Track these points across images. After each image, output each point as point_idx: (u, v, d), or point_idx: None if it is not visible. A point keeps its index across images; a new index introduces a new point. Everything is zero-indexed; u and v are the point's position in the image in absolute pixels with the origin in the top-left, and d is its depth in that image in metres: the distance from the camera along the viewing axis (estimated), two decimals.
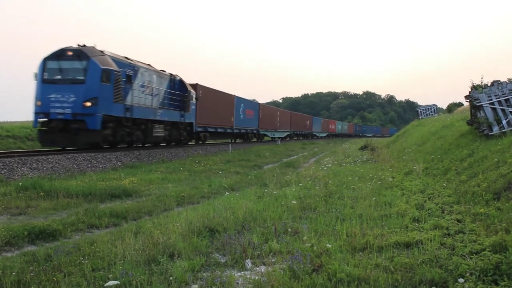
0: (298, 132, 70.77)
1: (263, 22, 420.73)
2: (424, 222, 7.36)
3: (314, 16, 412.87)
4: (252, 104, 48.13)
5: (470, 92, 15.66)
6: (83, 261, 5.62)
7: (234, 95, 40.87)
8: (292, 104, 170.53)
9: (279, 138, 56.34)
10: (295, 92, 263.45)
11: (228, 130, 40.12)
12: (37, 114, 19.19)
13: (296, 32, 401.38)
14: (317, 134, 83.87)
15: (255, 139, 50.03)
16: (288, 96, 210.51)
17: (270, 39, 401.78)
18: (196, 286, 4.91)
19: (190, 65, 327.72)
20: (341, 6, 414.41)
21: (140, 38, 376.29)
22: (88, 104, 18.76)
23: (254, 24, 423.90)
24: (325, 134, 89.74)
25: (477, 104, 14.17)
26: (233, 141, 43.22)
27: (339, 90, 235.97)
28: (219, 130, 37.36)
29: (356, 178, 13.47)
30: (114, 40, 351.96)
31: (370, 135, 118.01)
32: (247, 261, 5.63)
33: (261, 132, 50.83)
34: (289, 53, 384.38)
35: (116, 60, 20.98)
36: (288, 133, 63.85)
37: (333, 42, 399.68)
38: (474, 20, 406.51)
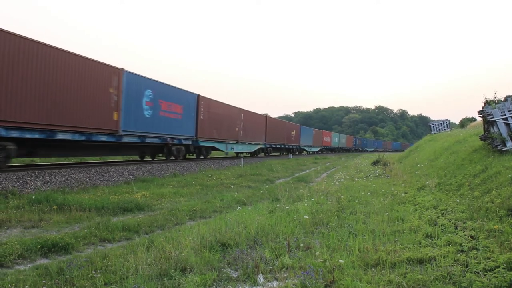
0: (278, 146, 50.48)
1: (275, 37, 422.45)
2: (437, 238, 7.30)
3: (327, 32, 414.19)
4: (170, 92, 25.79)
5: (483, 107, 15.58)
6: (95, 275, 5.64)
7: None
8: (304, 119, 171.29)
9: (242, 153, 42.30)
10: (307, 106, 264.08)
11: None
12: None
13: (309, 46, 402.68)
14: (306, 148, 64.36)
15: (172, 158, 27.39)
16: (300, 110, 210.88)
17: (283, 54, 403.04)
18: None
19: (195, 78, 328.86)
20: (354, 21, 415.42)
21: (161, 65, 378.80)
22: None
23: (266, 38, 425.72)
24: (317, 149, 70.79)
25: (490, 119, 14.07)
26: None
27: (351, 104, 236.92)
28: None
29: (369, 193, 13.41)
30: (114, 46, 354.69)
31: (371, 149, 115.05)
32: (259, 276, 5.62)
33: (202, 144, 30.31)
34: (302, 67, 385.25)
35: None
36: (261, 146, 44.11)
37: (346, 57, 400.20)
38: (488, 35, 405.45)
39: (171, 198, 14.01)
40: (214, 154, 37.64)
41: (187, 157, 31.17)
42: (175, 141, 26.65)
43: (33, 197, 11.80)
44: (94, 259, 6.42)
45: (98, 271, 5.83)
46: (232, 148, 36.29)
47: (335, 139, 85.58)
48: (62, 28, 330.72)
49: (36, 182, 14.62)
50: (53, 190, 13.87)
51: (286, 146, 54.36)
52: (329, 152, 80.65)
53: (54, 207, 11.02)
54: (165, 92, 25.20)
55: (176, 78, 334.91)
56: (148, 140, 23.22)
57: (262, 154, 46.82)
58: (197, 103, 29.21)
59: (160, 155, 27.94)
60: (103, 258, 6.46)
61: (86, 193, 13.99)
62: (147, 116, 22.84)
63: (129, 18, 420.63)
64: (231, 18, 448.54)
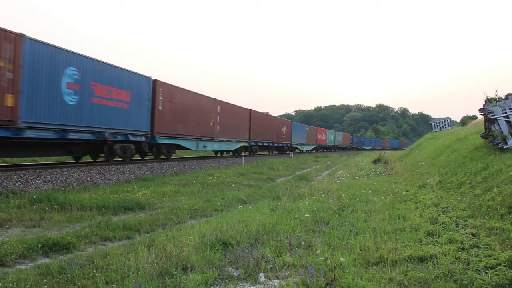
0: (265, 144, 45.01)
1: (276, 36, 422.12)
2: (438, 236, 7.30)
3: (328, 31, 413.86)
4: (110, 73, 20.17)
5: (484, 105, 15.55)
6: (96, 274, 5.64)
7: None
8: (305, 117, 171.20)
9: (224, 151, 37.73)
10: (308, 105, 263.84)
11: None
12: None
13: (310, 45, 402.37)
14: (299, 146, 59.47)
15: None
16: (301, 109, 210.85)
17: (284, 53, 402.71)
18: None
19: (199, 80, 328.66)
20: (355, 20, 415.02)
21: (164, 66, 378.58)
22: None
23: (266, 38, 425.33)
24: (311, 147, 66.07)
25: (491, 117, 14.06)
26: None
27: (352, 103, 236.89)
28: None
29: (370, 191, 13.40)
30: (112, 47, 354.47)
31: (369, 147, 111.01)
32: (260, 274, 5.61)
33: (161, 141, 24.68)
34: (303, 66, 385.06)
35: None
36: (244, 144, 39.23)
37: (347, 56, 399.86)
38: (489, 34, 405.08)
39: (172, 197, 14.02)
40: (188, 153, 36.28)
41: (146, 157, 26.61)
42: (119, 138, 20.66)
43: (34, 196, 11.81)
44: (95, 258, 6.42)
45: (99, 270, 5.83)
46: (205, 147, 30.44)
47: (330, 136, 79.98)
48: (62, 28, 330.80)
49: (37, 181, 14.63)
50: (54, 189, 13.88)
51: (275, 144, 48.65)
52: (324, 150, 75.91)
53: (55, 206, 11.03)
54: (102, 73, 19.23)
55: (176, 78, 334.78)
56: (72, 136, 17.55)
57: (247, 153, 41.31)
58: (153, 90, 23.43)
59: (102, 155, 21.92)
60: (104, 257, 6.46)
61: (87, 192, 14.00)
62: (70, 103, 17.21)
63: (129, 18, 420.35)
64: (231, 18, 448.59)
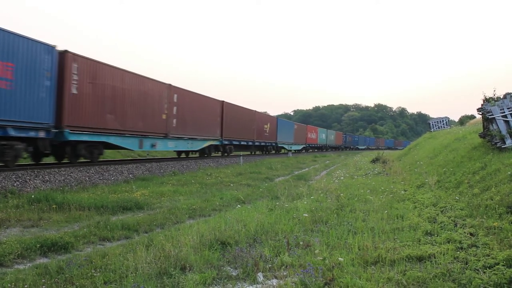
0: (243, 143, 38.43)
1: (274, 36, 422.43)
2: (437, 236, 7.31)
3: (326, 30, 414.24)
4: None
5: (482, 105, 15.57)
6: (95, 274, 5.64)
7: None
8: (303, 117, 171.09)
9: (185, 151, 31.43)
10: (307, 105, 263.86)
11: None
12: None
13: (309, 45, 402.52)
14: (285, 146, 52.57)
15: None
16: (299, 108, 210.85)
17: (282, 53, 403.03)
18: None
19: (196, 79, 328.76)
20: (354, 20, 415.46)
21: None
22: None
23: (265, 37, 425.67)
24: (300, 147, 60.06)
25: (490, 116, 14.07)
26: None
27: (350, 102, 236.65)
28: None
29: (368, 191, 13.42)
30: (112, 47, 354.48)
31: (363, 147, 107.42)
32: (258, 274, 5.62)
33: (74, 138, 17.60)
34: (301, 66, 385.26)
35: None
36: (214, 142, 32.44)
37: (345, 55, 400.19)
38: (487, 34, 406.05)
39: (170, 197, 14.01)
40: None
41: (45, 161, 19.48)
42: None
43: (33, 196, 11.79)
44: (93, 258, 6.42)
45: (98, 270, 5.83)
46: (153, 146, 23.28)
47: (322, 135, 73.38)
48: (61, 28, 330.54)
49: (35, 181, 14.61)
50: (53, 189, 13.87)
51: (256, 143, 41.96)
52: (316, 150, 70.97)
53: (54, 206, 11.02)
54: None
55: (175, 79, 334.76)
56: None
57: (219, 154, 35.53)
58: (60, 65, 16.70)
59: None
60: (103, 257, 6.46)
61: (86, 192, 13.98)
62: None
63: (128, 18, 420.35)
64: (230, 17, 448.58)
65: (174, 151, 30.42)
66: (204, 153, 32.09)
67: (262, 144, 44.34)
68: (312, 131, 67.74)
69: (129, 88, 20.99)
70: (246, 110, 39.64)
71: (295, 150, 57.30)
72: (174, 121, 25.49)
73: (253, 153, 45.33)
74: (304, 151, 62.56)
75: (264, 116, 46.20)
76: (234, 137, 36.22)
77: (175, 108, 25.52)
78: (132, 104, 21.25)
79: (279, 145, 50.40)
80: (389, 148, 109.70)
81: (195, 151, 31.39)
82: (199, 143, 29.76)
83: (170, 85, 25.02)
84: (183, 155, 32.37)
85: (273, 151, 49.08)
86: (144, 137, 22.39)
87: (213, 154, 34.27)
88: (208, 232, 7.54)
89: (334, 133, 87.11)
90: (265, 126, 44.79)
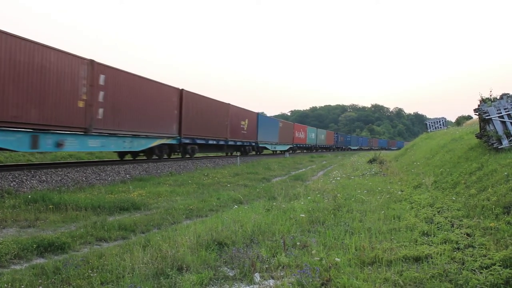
0: (210, 142, 31.63)
1: (271, 36, 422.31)
2: (434, 236, 7.32)
3: (324, 31, 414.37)
4: None
5: (479, 105, 15.59)
6: (91, 274, 5.63)
7: None
8: (300, 117, 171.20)
9: (130, 153, 24.96)
10: (304, 105, 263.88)
11: None
12: None
13: (306, 45, 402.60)
14: (268, 146, 47.02)
15: None
16: (296, 109, 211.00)
17: (279, 53, 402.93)
18: None
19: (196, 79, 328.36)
20: (351, 20, 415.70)
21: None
22: None
23: (262, 37, 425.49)
24: (286, 147, 54.19)
25: (486, 117, 14.10)
26: None
27: (347, 103, 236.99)
28: None
29: (365, 191, 13.42)
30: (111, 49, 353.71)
31: (356, 147, 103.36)
32: (255, 274, 5.61)
33: None
34: (298, 66, 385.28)
35: None
36: (169, 141, 25.96)
37: (342, 56, 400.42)
38: (484, 35, 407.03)
39: (167, 197, 14.00)
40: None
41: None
42: None
43: (29, 196, 11.77)
44: (90, 258, 6.41)
45: (95, 270, 5.83)
46: (59, 145, 16.61)
47: (311, 135, 67.38)
48: (59, 28, 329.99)
49: (32, 181, 14.59)
50: (49, 189, 13.85)
51: (231, 143, 35.83)
52: (305, 151, 66.83)
53: (50, 206, 11.00)
54: None
55: (174, 78, 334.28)
56: None
57: (179, 155, 29.02)
58: None
59: None
60: (100, 257, 6.45)
61: (83, 192, 13.96)
62: None
63: (127, 18, 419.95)
64: (228, 17, 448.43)
65: (115, 152, 24.56)
66: (152, 154, 25.37)
67: (239, 143, 38.09)
68: (300, 130, 61.98)
69: (12, 59, 14.21)
70: (216, 103, 32.60)
71: (280, 151, 53.49)
72: (100, 111, 18.63)
73: (229, 154, 39.98)
74: (291, 151, 56.93)
75: (240, 111, 38.46)
76: (199, 134, 29.49)
77: (101, 94, 18.63)
78: (19, 84, 14.49)
79: (260, 145, 44.43)
80: (382, 149, 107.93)
81: (137, 152, 24.71)
82: (143, 142, 22.88)
83: (92, 61, 18.15)
84: (127, 157, 25.97)
85: (253, 152, 43.05)
86: (42, 132, 15.76)
87: (172, 156, 28.57)
88: (205, 233, 7.54)
89: (325, 132, 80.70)
90: (243, 122, 38.47)
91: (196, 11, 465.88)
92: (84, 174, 17.26)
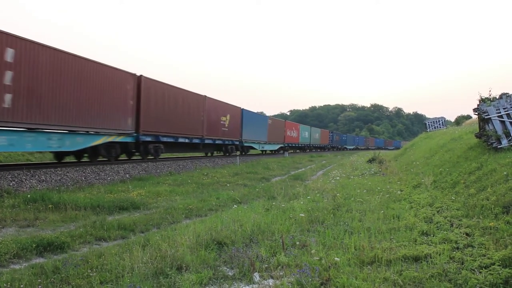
0: (180, 140, 26.94)
1: (271, 36, 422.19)
2: (433, 236, 7.32)
3: (323, 30, 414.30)
4: None
5: (478, 105, 15.61)
6: (91, 274, 5.63)
7: None
8: (299, 117, 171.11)
9: (63, 153, 20.33)
10: (303, 105, 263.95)
11: None
12: None
13: (305, 45, 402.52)
14: (255, 145, 42.62)
15: None
16: (295, 108, 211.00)
17: (279, 52, 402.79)
18: None
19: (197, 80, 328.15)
20: (350, 19, 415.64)
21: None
22: None
23: (262, 37, 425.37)
24: (276, 146, 50.51)
25: (486, 117, 14.10)
26: None
27: (346, 102, 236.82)
28: None
29: (364, 191, 13.42)
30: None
31: (352, 147, 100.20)
32: (255, 274, 5.61)
33: None
34: (298, 66, 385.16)
35: None
36: (121, 138, 21.04)
37: (342, 55, 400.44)
38: (483, 35, 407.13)
39: (167, 197, 14.01)
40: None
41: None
42: None
43: (29, 196, 11.78)
44: (89, 258, 6.41)
45: (94, 270, 5.82)
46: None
47: (304, 133, 63.18)
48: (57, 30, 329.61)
49: (31, 181, 14.58)
50: (49, 189, 13.85)
51: (208, 141, 31.18)
52: (298, 151, 63.23)
53: (50, 206, 11.01)
54: None
55: (172, 79, 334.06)
56: None
57: (138, 156, 24.69)
58: None
59: None
60: (99, 256, 6.45)
61: (82, 192, 13.96)
62: None
63: (126, 19, 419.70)
64: (227, 17, 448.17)
65: (51, 152, 20.72)
66: (98, 155, 20.74)
67: (218, 142, 33.39)
68: (293, 128, 58.00)
69: None
70: (188, 94, 27.73)
71: (271, 151, 50.31)
72: (7, 97, 13.96)
73: (209, 155, 36.46)
74: (282, 151, 53.59)
75: (220, 105, 33.60)
76: (165, 131, 24.82)
77: (8, 74, 13.97)
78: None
79: (246, 144, 39.83)
80: (379, 148, 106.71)
81: (76, 153, 20.62)
82: (80, 140, 18.13)
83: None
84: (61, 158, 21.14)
85: (237, 152, 37.88)
86: None
87: (126, 157, 24.68)
88: (205, 232, 7.54)
89: (319, 131, 76.04)
90: (223, 118, 33.76)
91: (195, 10, 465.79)
92: (84, 174, 17.25)
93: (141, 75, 22.25)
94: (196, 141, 29.29)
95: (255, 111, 42.07)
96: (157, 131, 23.91)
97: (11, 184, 13.68)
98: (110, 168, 19.22)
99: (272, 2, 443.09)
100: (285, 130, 53.52)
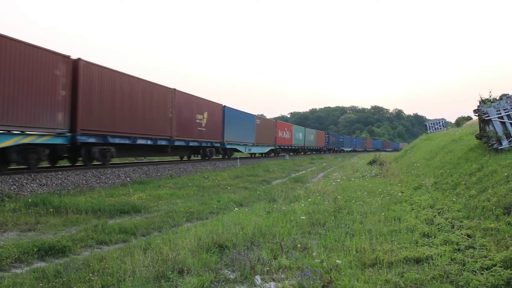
0: (139, 141, 21.99)
1: (271, 38, 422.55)
2: (434, 237, 7.32)
3: (323, 32, 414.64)
4: None
5: (478, 106, 15.60)
6: (92, 278, 5.63)
7: None
8: (300, 119, 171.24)
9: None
10: (303, 107, 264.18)
11: None
12: None
13: (305, 47, 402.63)
14: (240, 147, 37.88)
15: None
16: (296, 111, 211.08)
17: (279, 55, 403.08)
18: None
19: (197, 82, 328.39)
20: (350, 21, 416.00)
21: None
22: None
23: (261, 39, 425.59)
24: (266, 149, 46.79)
25: (486, 118, 14.10)
26: None
27: (347, 104, 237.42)
28: None
29: (365, 193, 13.42)
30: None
31: (349, 149, 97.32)
32: (256, 277, 5.61)
33: None
34: (297, 68, 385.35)
35: None
36: (46, 139, 16.11)
37: (342, 57, 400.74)
38: (484, 36, 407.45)
39: (167, 200, 14.00)
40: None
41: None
42: None
43: (30, 200, 11.78)
44: (91, 261, 6.40)
45: (95, 273, 5.82)
46: None
47: (298, 135, 59.01)
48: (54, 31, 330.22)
49: (32, 185, 14.58)
50: (50, 192, 13.85)
51: (179, 143, 26.26)
52: (291, 154, 59.15)
53: (51, 209, 11.00)
54: None
55: (171, 80, 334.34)
56: None
57: (81, 163, 20.35)
58: None
59: None
60: (100, 260, 6.45)
61: (83, 195, 13.97)
62: None
63: (125, 19, 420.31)
64: (226, 19, 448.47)
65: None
66: (7, 161, 15.48)
67: (193, 144, 28.40)
68: (285, 129, 53.42)
69: None
70: (149, 85, 22.89)
71: (260, 154, 46.54)
72: None
73: (187, 158, 32.05)
74: (273, 154, 50.95)
75: (195, 101, 28.65)
76: (116, 130, 20.15)
77: None
78: None
79: (228, 146, 35.13)
80: (377, 150, 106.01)
81: None
82: None
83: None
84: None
85: (219, 156, 35.03)
86: None
87: (65, 163, 20.62)
88: (206, 235, 7.54)
89: (314, 132, 71.86)
90: (199, 116, 28.99)
91: (194, 12, 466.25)
92: (84, 177, 17.25)
93: (78, 59, 17.74)
94: (163, 142, 24.49)
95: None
96: (105, 130, 19.38)
97: (12, 188, 13.68)
98: (111, 172, 19.22)
99: (272, 3, 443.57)
100: (276, 131, 49.35)
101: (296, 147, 59.45)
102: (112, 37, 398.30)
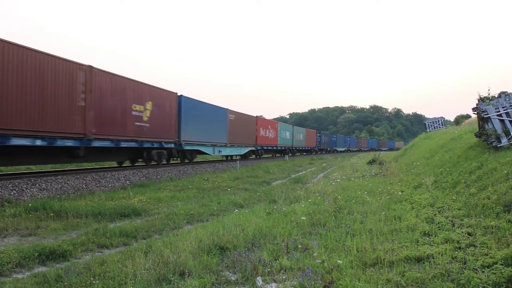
0: (27, 142, 14.47)
1: (269, 38, 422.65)
2: (435, 236, 7.32)
3: (322, 33, 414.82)
4: None
5: (477, 104, 15.61)
6: (93, 282, 5.63)
7: None
8: (299, 120, 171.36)
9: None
10: (302, 107, 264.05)
11: None
12: None
13: (304, 47, 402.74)
14: (206, 149, 30.24)
15: None
16: (295, 111, 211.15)
17: (277, 55, 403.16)
18: None
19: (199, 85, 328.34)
20: (349, 21, 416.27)
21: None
22: None
23: (260, 40, 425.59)
24: (244, 150, 38.93)
25: (485, 116, 14.11)
26: None
27: (346, 104, 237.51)
28: None
29: (365, 192, 13.42)
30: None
31: (343, 149, 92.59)
32: (257, 278, 5.61)
33: None
34: (296, 68, 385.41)
35: None
36: None
37: (341, 57, 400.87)
38: (482, 35, 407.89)
39: (168, 202, 14.00)
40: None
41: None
42: None
43: (30, 204, 11.77)
44: (92, 265, 6.40)
45: (97, 277, 5.82)
46: None
47: (284, 134, 51.87)
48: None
49: (32, 189, 14.58)
50: (50, 197, 13.84)
51: (97, 144, 18.44)
52: (278, 155, 54.19)
53: (51, 214, 11.00)
54: None
55: (170, 81, 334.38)
56: None
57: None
58: None
59: None
60: (101, 264, 6.45)
61: (83, 199, 13.97)
62: None
63: (124, 19, 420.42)
64: (226, 20, 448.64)
65: None
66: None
67: (128, 145, 21.06)
68: (268, 126, 46.05)
69: None
70: (39, 57, 15.20)
71: (237, 156, 39.69)
72: None
73: (125, 165, 25.46)
74: (254, 156, 44.39)
75: (131, 86, 21.40)
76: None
77: None
78: None
79: (188, 148, 27.74)
80: (372, 149, 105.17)
81: None
82: None
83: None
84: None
85: (177, 159, 28.34)
86: None
87: None
88: (206, 237, 7.54)
89: (304, 131, 64.84)
90: (138, 107, 21.81)
91: (193, 13, 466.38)
92: (84, 181, 17.26)
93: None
94: (69, 143, 16.93)
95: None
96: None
97: (12, 193, 13.68)
98: (111, 175, 19.22)
99: (271, 4, 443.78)
100: (257, 129, 42.00)
101: (283, 148, 52.25)
102: (109, 37, 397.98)
